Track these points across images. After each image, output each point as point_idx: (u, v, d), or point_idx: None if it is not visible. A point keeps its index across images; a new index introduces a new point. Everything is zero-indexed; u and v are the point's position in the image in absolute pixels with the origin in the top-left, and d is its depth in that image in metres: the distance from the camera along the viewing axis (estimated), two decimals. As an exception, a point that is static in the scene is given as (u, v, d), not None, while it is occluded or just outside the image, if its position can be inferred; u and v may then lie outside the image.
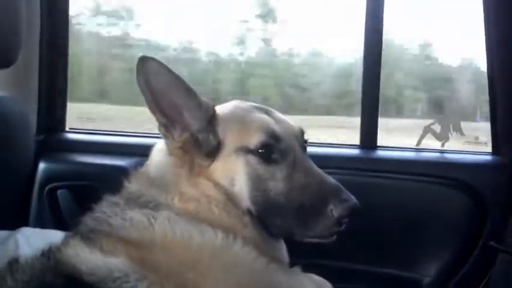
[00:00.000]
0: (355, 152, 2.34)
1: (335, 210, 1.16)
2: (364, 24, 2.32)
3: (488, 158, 2.22)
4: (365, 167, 2.23)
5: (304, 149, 1.35)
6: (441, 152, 2.31)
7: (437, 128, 2.39)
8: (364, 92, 2.34)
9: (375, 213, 2.07)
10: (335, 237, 1.21)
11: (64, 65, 2.58)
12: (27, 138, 2.19)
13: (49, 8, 2.46)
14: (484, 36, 2.12)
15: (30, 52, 2.38)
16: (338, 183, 1.22)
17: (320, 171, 1.26)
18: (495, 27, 2.09)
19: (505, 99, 2.13)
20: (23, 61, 2.23)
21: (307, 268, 1.31)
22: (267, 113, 1.33)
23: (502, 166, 2.14)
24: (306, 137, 1.38)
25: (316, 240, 1.21)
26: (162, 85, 1.20)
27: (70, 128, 2.64)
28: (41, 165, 2.28)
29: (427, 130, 2.39)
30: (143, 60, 1.18)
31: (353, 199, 1.18)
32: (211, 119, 1.28)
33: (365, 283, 2.09)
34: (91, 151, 2.42)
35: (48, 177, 2.26)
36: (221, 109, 1.33)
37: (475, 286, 2.00)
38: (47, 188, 2.23)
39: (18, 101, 2.10)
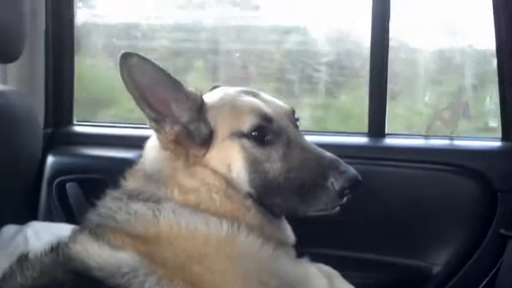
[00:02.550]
0: (363, 140, 2.32)
1: (335, 183, 1.17)
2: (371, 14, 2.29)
3: (498, 144, 2.20)
4: (373, 156, 2.21)
5: (297, 127, 1.35)
6: (451, 138, 2.28)
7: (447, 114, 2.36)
8: (371, 78, 2.30)
9: (384, 201, 2.08)
10: (337, 209, 1.22)
11: (71, 56, 2.56)
12: (34, 132, 2.18)
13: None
14: (493, 20, 2.08)
15: (35, 45, 2.35)
16: (336, 157, 1.22)
17: (315, 146, 1.26)
18: (504, 11, 2.04)
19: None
20: (29, 55, 2.23)
21: (315, 258, 1.32)
22: (255, 95, 1.33)
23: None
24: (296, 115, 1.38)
25: (319, 213, 1.22)
26: (147, 80, 1.19)
27: (78, 121, 2.63)
28: (50, 159, 2.29)
29: (436, 117, 2.36)
30: (126, 57, 1.16)
31: (352, 170, 1.19)
32: (200, 108, 1.27)
33: (373, 272, 2.08)
34: (100, 144, 2.42)
35: (57, 171, 2.27)
36: (209, 97, 1.32)
37: (486, 274, 1.99)
38: (56, 182, 2.24)
39: (25, 94, 2.09)
